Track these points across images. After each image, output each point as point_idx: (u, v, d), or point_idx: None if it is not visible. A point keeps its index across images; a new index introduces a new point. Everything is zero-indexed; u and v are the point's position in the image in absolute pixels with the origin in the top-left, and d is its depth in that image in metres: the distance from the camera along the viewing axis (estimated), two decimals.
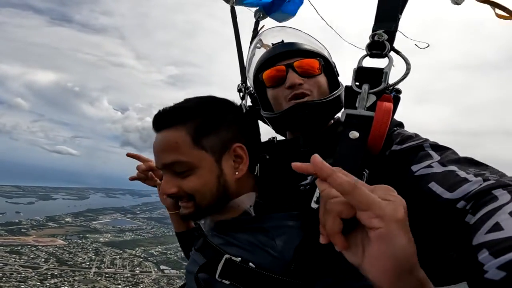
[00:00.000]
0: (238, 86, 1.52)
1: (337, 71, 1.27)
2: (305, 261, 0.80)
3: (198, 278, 0.92)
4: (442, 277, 1.01)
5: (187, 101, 1.04)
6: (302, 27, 1.40)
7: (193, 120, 0.96)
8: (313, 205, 0.76)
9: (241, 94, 1.49)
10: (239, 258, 0.88)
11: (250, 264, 0.86)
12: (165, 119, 0.98)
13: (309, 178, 1.14)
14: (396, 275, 0.54)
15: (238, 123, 1.03)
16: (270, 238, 0.89)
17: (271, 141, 1.23)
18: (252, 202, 0.98)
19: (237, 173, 0.99)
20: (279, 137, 1.30)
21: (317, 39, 1.34)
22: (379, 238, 0.54)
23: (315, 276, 0.79)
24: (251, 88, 1.45)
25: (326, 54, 1.26)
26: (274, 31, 1.45)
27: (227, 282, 0.86)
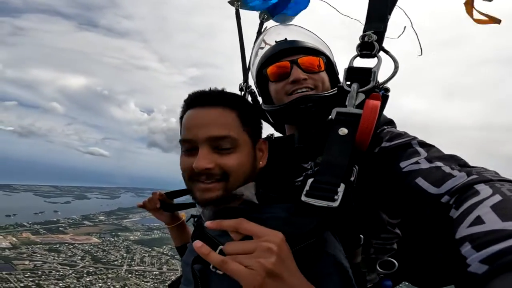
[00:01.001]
0: (239, 85, 1.64)
1: (337, 69, 1.32)
2: (295, 253, 0.80)
3: (193, 268, 0.94)
4: (425, 279, 1.05)
5: (225, 91, 1.08)
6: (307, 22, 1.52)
7: (240, 107, 1.02)
8: (303, 198, 0.81)
9: (242, 92, 1.60)
10: None
11: None
12: (214, 98, 1.01)
13: (304, 175, 1.18)
14: None
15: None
16: None
17: (269, 137, 1.28)
18: (253, 192, 1.00)
19: (261, 162, 1.06)
20: (277, 134, 1.39)
21: (320, 37, 1.37)
22: None
23: (304, 267, 0.81)
24: (252, 87, 1.54)
25: (328, 52, 1.29)
26: (277, 29, 1.50)
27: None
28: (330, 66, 1.28)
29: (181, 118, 1.08)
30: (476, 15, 1.15)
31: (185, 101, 1.07)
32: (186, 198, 1.39)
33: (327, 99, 1.17)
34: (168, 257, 76.17)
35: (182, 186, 1.17)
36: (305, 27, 1.43)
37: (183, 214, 1.55)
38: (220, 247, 0.89)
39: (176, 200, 1.50)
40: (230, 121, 0.98)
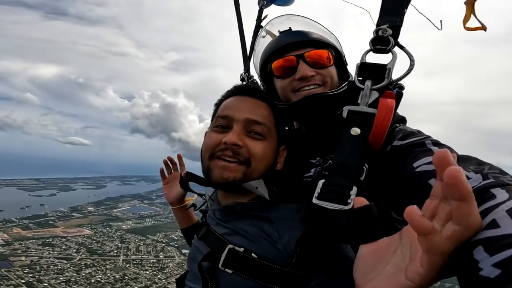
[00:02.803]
0: (241, 75, 1.62)
1: (345, 60, 1.24)
2: (305, 254, 0.83)
3: (201, 266, 0.95)
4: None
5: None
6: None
7: (275, 108, 1.12)
8: (315, 201, 0.78)
9: (244, 83, 1.57)
10: (242, 249, 0.91)
11: (253, 254, 0.89)
12: (257, 92, 1.11)
13: (312, 171, 1.16)
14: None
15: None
16: (274, 229, 0.93)
17: None
18: (265, 189, 1.00)
19: (278, 165, 1.10)
20: None
21: (327, 27, 1.28)
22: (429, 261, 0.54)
23: (314, 269, 0.83)
24: (254, 77, 1.54)
25: (335, 43, 1.23)
26: (282, 18, 1.39)
27: (230, 271, 0.89)
28: (339, 59, 1.21)
29: (217, 104, 1.14)
30: (470, 23, 1.11)
31: (229, 90, 1.15)
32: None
33: (336, 97, 1.11)
34: (163, 244, 77.46)
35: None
36: (310, 17, 1.32)
37: (190, 198, 1.58)
38: (229, 246, 0.91)
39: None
40: (267, 113, 1.05)
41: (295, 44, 1.16)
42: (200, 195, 1.35)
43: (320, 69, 1.13)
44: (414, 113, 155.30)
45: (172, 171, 1.65)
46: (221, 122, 1.04)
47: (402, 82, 0.98)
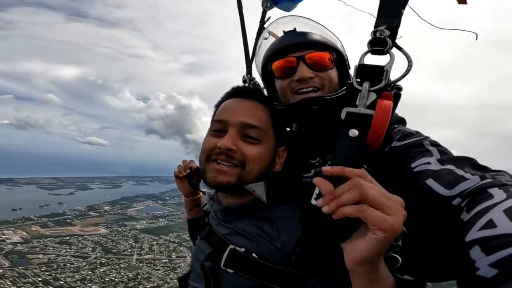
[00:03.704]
0: (243, 77, 1.63)
1: (349, 64, 1.24)
2: (304, 254, 0.85)
3: (204, 266, 0.96)
4: (433, 274, 1.04)
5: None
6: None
7: (273, 109, 1.11)
8: (313, 202, 0.78)
9: (246, 84, 1.59)
10: (243, 249, 0.93)
11: (253, 254, 0.91)
12: (254, 93, 1.10)
13: (312, 171, 1.17)
14: (363, 264, 0.68)
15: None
16: (274, 229, 0.94)
17: None
18: (263, 190, 1.02)
19: (277, 166, 1.10)
20: None
21: (330, 30, 1.29)
22: (373, 241, 0.64)
23: (313, 268, 0.85)
24: (256, 79, 1.54)
25: (339, 46, 1.23)
26: (287, 19, 1.40)
27: (231, 271, 0.90)
28: (341, 61, 1.20)
29: (217, 106, 1.14)
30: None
31: (227, 92, 1.15)
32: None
33: (334, 101, 1.11)
34: (176, 244, 78.17)
35: None
36: (314, 19, 1.32)
37: (204, 190, 1.59)
38: (230, 246, 0.92)
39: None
40: (263, 115, 1.05)
41: (297, 45, 1.15)
42: (205, 192, 1.42)
43: (320, 71, 1.13)
44: (431, 117, 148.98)
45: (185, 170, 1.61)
46: (216, 126, 1.05)
47: (403, 83, 0.99)
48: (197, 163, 1.50)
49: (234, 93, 1.13)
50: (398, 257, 1.13)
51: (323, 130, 1.16)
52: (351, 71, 1.18)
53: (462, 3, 1.16)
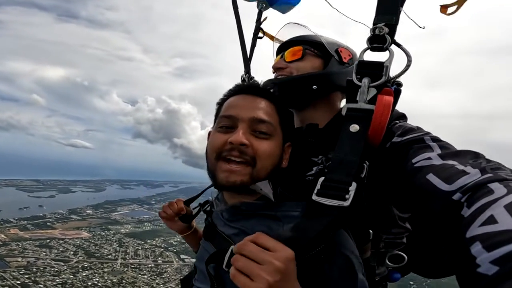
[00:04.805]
0: (241, 76, 1.69)
1: (339, 56, 1.26)
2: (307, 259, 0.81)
3: (208, 267, 0.95)
4: (432, 270, 1.05)
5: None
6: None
7: (280, 105, 1.11)
8: (314, 197, 0.80)
9: (244, 83, 1.60)
10: None
11: None
12: (261, 90, 1.11)
13: (314, 169, 1.19)
14: None
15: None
16: (281, 227, 0.92)
17: None
18: (270, 188, 1.00)
19: (284, 162, 1.10)
20: None
21: (325, 30, 1.37)
22: None
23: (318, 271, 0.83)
24: (255, 78, 1.63)
25: (323, 41, 1.27)
26: (289, 27, 1.48)
27: None
28: (325, 54, 1.26)
29: (219, 103, 1.14)
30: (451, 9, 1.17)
31: (231, 89, 1.15)
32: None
33: (291, 83, 1.24)
34: (162, 249, 76.19)
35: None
36: (319, 25, 1.37)
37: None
38: (232, 247, 0.89)
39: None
40: (271, 112, 1.06)
41: (288, 44, 1.35)
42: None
43: (291, 62, 1.28)
44: (418, 124, 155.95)
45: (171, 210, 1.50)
46: (225, 122, 1.03)
47: (402, 80, 1.02)
48: (174, 196, 1.35)
49: (239, 90, 1.13)
50: (404, 255, 1.15)
51: (326, 126, 1.21)
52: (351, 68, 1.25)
53: (443, 13, 1.21)
